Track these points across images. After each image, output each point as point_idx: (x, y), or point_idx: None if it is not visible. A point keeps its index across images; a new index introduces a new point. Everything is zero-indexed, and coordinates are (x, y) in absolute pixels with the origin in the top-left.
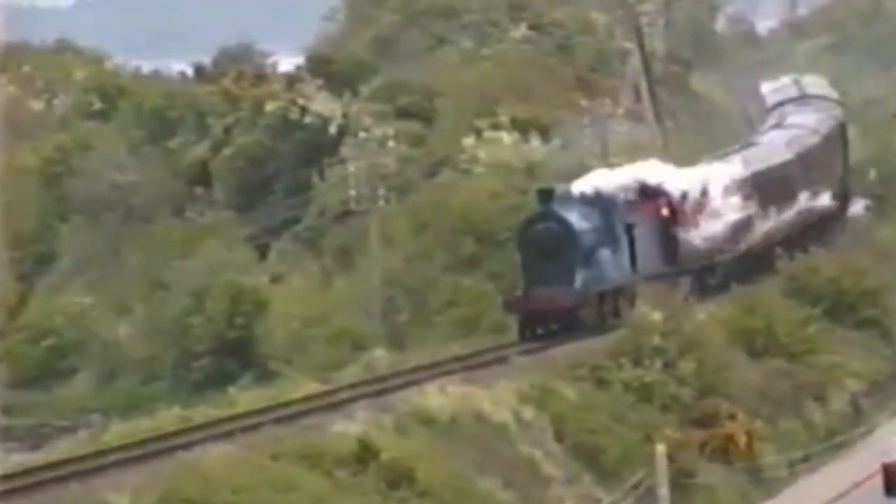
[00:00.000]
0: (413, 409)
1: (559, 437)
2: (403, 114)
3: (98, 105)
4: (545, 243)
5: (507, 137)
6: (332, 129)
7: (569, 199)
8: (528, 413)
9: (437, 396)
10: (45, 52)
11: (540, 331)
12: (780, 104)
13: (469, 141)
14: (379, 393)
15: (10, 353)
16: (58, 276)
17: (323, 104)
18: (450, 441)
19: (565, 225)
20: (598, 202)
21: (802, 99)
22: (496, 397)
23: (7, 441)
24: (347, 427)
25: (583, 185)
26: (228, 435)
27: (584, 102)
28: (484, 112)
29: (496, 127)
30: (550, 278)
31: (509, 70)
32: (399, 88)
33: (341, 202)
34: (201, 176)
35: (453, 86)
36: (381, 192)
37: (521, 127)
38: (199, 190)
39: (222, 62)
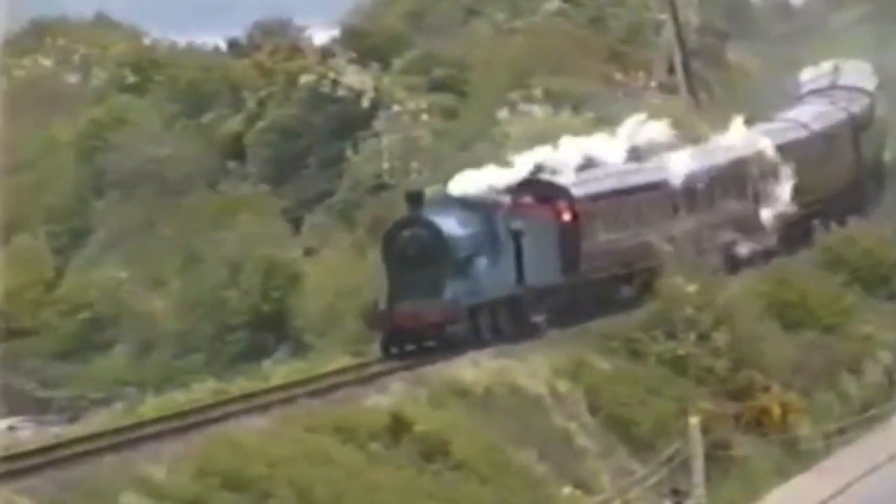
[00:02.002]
0: (447, 381)
1: (593, 410)
2: (437, 87)
3: (133, 79)
4: (412, 251)
5: (539, 110)
6: (365, 103)
7: (446, 201)
8: (563, 385)
9: (471, 369)
10: (82, 26)
11: (410, 347)
12: (807, 94)
13: (502, 114)
14: (413, 366)
15: (46, 326)
16: (93, 250)
17: (355, 77)
18: (484, 414)
19: (435, 231)
20: (480, 205)
21: (829, 90)
22: (530, 370)
23: (44, 413)
24: (381, 400)
25: (463, 186)
26: (263, 408)
27: (617, 75)
28: (517, 85)
29: (529, 100)
30: (417, 290)
31: (542, 42)
32: (432, 61)
33: (375, 175)
34: (235, 149)
35: (486, 59)
36: (415, 165)
37: (554, 100)
38: (233, 163)
39: (257, 36)
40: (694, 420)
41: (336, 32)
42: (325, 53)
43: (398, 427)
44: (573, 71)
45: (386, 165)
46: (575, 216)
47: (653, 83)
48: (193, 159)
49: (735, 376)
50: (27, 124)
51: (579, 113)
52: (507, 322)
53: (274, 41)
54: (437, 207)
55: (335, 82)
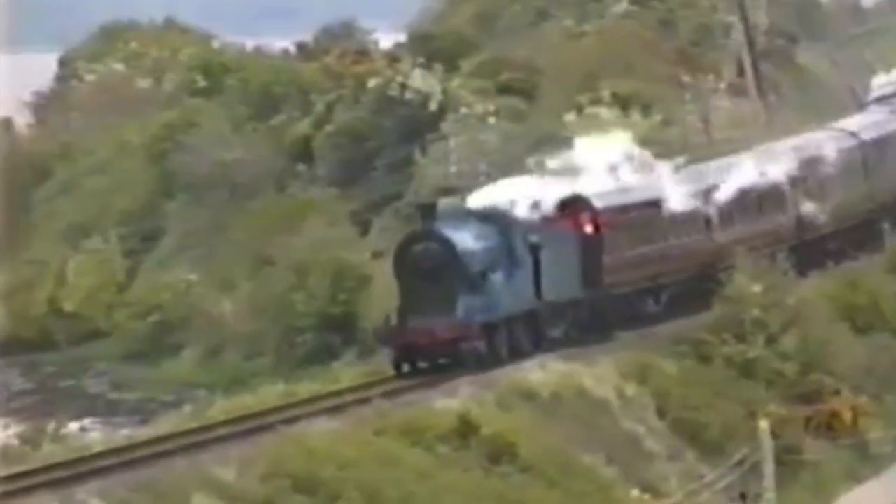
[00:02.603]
0: (514, 385)
1: (661, 413)
2: (505, 90)
3: (203, 83)
4: (424, 266)
5: (607, 113)
6: (433, 106)
7: (462, 214)
8: (630, 389)
9: (538, 373)
10: (152, 30)
11: (423, 364)
12: (872, 101)
13: (570, 117)
14: (479, 369)
15: (117, 329)
16: (164, 253)
17: (423, 81)
18: (551, 417)
19: (448, 245)
20: (497, 219)
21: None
22: (598, 373)
23: (114, 415)
24: (449, 403)
25: (480, 199)
26: (332, 410)
27: (686, 77)
28: (585, 88)
29: (597, 102)
30: (429, 306)
31: (611, 45)
32: (500, 64)
33: (442, 178)
34: (304, 152)
35: (555, 61)
36: (483, 167)
37: (623, 102)
38: (301, 166)
39: (325, 40)
40: (764, 424)
41: (403, 36)
42: (393, 57)
43: (466, 430)
44: (642, 73)
45: (454, 168)
46: (597, 228)
47: (722, 85)
48: (263, 162)
49: (804, 379)
50: (99, 128)
51: (648, 115)
52: (525, 338)
53: (341, 45)
54: (452, 220)
55: (403, 86)
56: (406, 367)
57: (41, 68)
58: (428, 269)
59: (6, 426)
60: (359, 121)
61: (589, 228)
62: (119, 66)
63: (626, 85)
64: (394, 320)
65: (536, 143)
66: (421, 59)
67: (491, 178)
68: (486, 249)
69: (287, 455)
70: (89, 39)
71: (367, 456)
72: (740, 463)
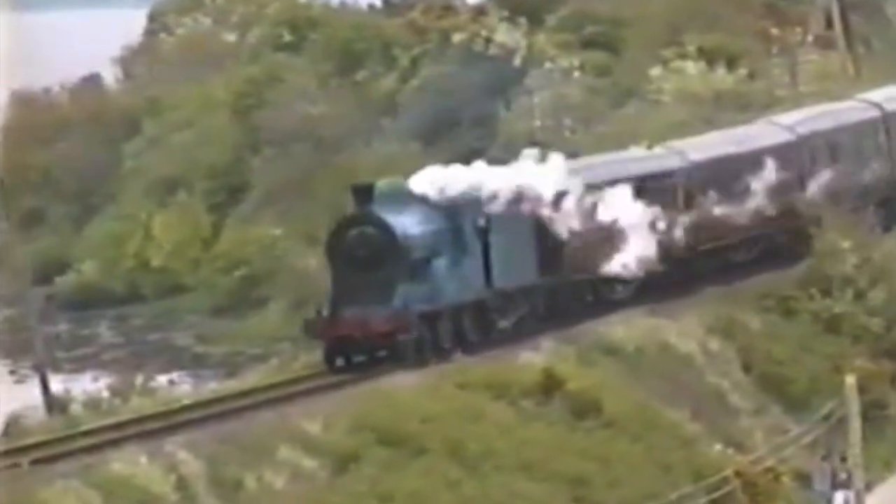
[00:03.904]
0: (598, 339)
1: (746, 368)
2: (589, 44)
3: (288, 37)
4: (359, 252)
5: (693, 67)
6: (517, 60)
7: (403, 196)
8: (715, 344)
9: (621, 328)
10: None
11: (359, 358)
12: None
13: (655, 71)
14: (563, 324)
15: (204, 283)
16: (249, 207)
17: (508, 35)
18: (635, 372)
19: (386, 229)
20: (442, 202)
21: None
22: (682, 328)
23: (202, 368)
24: (533, 357)
25: (425, 182)
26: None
27: (773, 30)
28: (670, 42)
29: (683, 57)
30: (365, 296)
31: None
32: (585, 18)
33: (526, 133)
34: (388, 107)
35: (640, 15)
36: (567, 122)
37: (708, 56)
38: (386, 121)
39: None
40: (850, 379)
41: None
42: (478, 11)
43: (550, 384)
44: (728, 27)
45: (538, 123)
46: (557, 209)
47: (809, 38)
48: (347, 117)
49: (891, 335)
50: (186, 83)
51: (733, 69)
52: (473, 329)
53: (426, 0)
54: (392, 203)
55: (488, 40)
56: (340, 362)
57: (130, 23)
58: (364, 255)
59: (96, 378)
60: (443, 76)
61: (547, 210)
62: (206, 20)
63: (711, 38)
64: (326, 311)
65: (621, 97)
66: (505, 14)
67: (574, 133)
68: (430, 233)
69: (372, 408)
70: None
71: (450, 410)
72: (826, 418)
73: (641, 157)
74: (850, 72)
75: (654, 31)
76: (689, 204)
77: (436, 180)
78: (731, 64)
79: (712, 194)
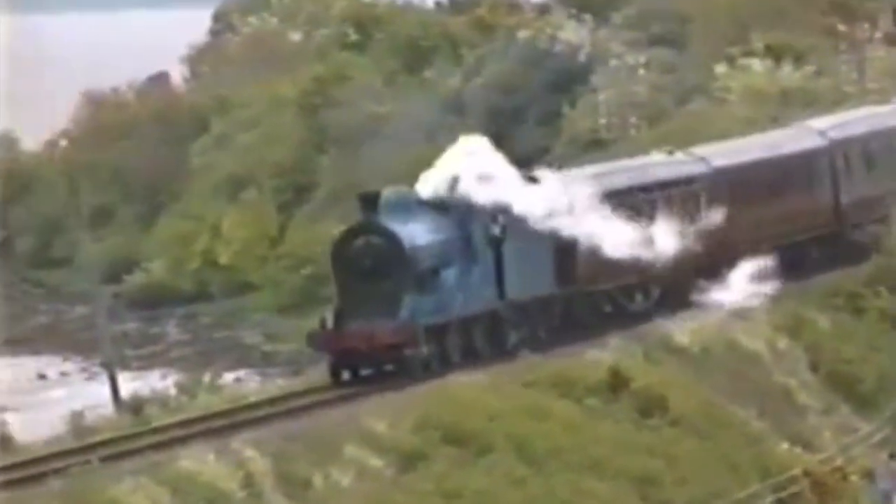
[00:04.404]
0: (664, 338)
1: (814, 367)
2: (655, 41)
3: (354, 36)
4: (365, 263)
5: (759, 64)
6: (583, 58)
7: (411, 204)
8: (782, 342)
9: (688, 326)
10: None
11: (365, 371)
12: None
13: (721, 68)
14: (627, 324)
15: (271, 281)
16: (316, 205)
17: (573, 32)
18: (701, 370)
19: (392, 239)
20: (453, 209)
21: None
22: (749, 327)
23: (268, 366)
24: (599, 355)
25: (433, 186)
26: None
27: (840, 27)
28: (737, 39)
29: (749, 54)
30: (370, 308)
31: None
32: (651, 16)
33: (591, 130)
34: (454, 105)
35: (706, 13)
36: (632, 120)
37: (775, 53)
38: (452, 118)
39: None
40: None
41: None
42: (543, 9)
43: (616, 382)
44: (794, 23)
45: (603, 121)
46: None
47: (878, 34)
48: (413, 115)
49: None
50: (253, 81)
51: (800, 66)
52: (484, 342)
53: None
54: (399, 211)
55: (553, 37)
56: (346, 375)
57: (196, 22)
58: (369, 265)
59: (164, 376)
60: (508, 73)
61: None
62: (272, 19)
63: (778, 35)
64: (330, 323)
65: (686, 95)
66: (571, 11)
67: (639, 130)
68: (439, 243)
69: (437, 406)
70: None
71: (516, 408)
72: (894, 416)
73: (663, 163)
74: None
75: (720, 28)
76: (711, 210)
77: (440, 182)
78: (798, 61)
79: (738, 200)
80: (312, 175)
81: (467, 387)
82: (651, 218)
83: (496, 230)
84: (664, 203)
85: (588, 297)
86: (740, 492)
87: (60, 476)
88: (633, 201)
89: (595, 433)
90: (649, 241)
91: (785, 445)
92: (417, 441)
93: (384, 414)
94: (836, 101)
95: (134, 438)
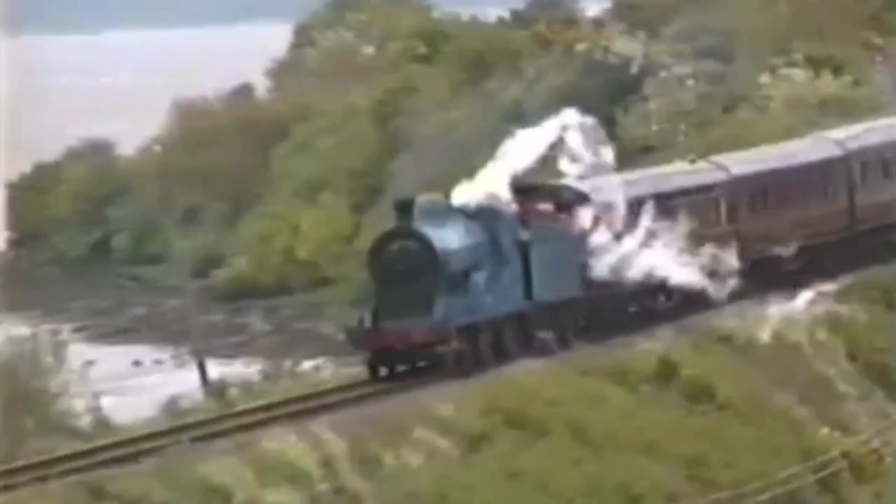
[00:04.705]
0: (711, 329)
1: (852, 357)
2: (702, 54)
3: (423, 49)
4: (400, 266)
5: (800, 74)
6: (634, 69)
7: (444, 210)
8: (822, 334)
9: (734, 318)
10: (380, 2)
11: (401, 367)
12: None
13: (764, 78)
14: (677, 315)
15: (345, 277)
16: (386, 207)
17: (625, 45)
18: (746, 360)
19: (426, 243)
20: (483, 215)
21: None
22: (791, 319)
23: (345, 355)
24: (650, 346)
25: (467, 194)
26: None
27: (877, 40)
28: (779, 51)
29: (790, 65)
30: (405, 308)
31: (804, 10)
32: (699, 30)
33: (643, 138)
34: (516, 114)
35: (750, 27)
36: (682, 127)
37: (814, 64)
38: (514, 126)
39: (536, 8)
40: None
41: (608, 4)
42: (598, 24)
43: (667, 371)
44: (833, 36)
45: (654, 128)
46: (597, 224)
47: None
48: (477, 123)
49: None
50: (330, 92)
51: (838, 77)
52: (513, 342)
53: (551, 13)
54: (432, 217)
55: (607, 50)
56: (383, 371)
57: (278, 37)
58: (404, 268)
59: (248, 364)
60: (566, 84)
61: (589, 224)
62: (348, 35)
63: (818, 47)
64: (367, 322)
65: (732, 103)
66: (625, 26)
67: (687, 137)
68: (469, 247)
69: (500, 393)
70: (322, 10)
71: (573, 395)
72: None
73: (684, 172)
74: None
75: (763, 41)
76: (732, 217)
77: (476, 192)
78: (837, 71)
79: (757, 207)
80: (384, 178)
81: (528, 374)
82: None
83: (524, 235)
84: (686, 208)
85: (613, 297)
86: (782, 473)
87: (154, 455)
88: (658, 206)
89: (647, 418)
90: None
91: (824, 430)
92: (482, 424)
93: (450, 399)
94: (872, 110)
95: (221, 421)
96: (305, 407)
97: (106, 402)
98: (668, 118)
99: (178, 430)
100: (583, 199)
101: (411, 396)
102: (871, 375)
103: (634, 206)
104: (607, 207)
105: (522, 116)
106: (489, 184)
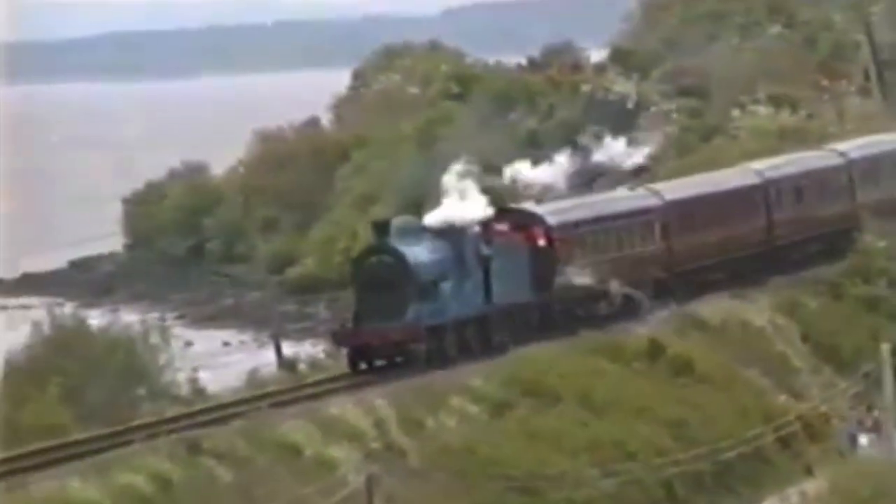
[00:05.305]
0: (690, 317)
1: (805, 338)
2: (684, 92)
3: (457, 89)
4: (377, 276)
5: (763, 110)
6: (630, 105)
7: (417, 230)
8: (781, 320)
9: (708, 308)
10: (421, 50)
11: (379, 362)
12: None
13: (735, 113)
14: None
15: None
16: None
17: (622, 86)
18: (719, 341)
19: (400, 258)
20: (449, 234)
21: None
22: (756, 308)
23: None
24: (641, 330)
25: (435, 217)
26: (550, 339)
27: (824, 82)
28: (746, 91)
29: (756, 102)
30: (382, 312)
31: (767, 58)
32: (681, 73)
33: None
34: (532, 141)
35: (723, 71)
36: (670, 153)
37: (775, 102)
38: (530, 151)
39: (549, 56)
40: (885, 346)
41: (607, 52)
42: (599, 68)
43: (655, 350)
44: (790, 79)
45: (647, 151)
46: (550, 241)
47: (852, 88)
48: (501, 149)
49: None
50: (382, 124)
51: (795, 112)
52: (475, 339)
53: (561, 59)
54: (408, 236)
55: (607, 90)
56: (363, 366)
57: (340, 80)
58: (381, 279)
59: (315, 345)
60: (573, 117)
61: (542, 241)
62: (396, 77)
63: (778, 88)
64: (350, 324)
65: (708, 133)
66: (621, 69)
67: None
68: (437, 261)
69: (519, 368)
70: (375, 57)
71: (579, 369)
72: (866, 375)
73: (626, 197)
74: (883, 115)
75: (733, 82)
76: (665, 236)
77: (441, 216)
78: (793, 107)
79: (686, 227)
80: (423, 193)
81: (542, 353)
82: (615, 242)
83: (486, 250)
84: (626, 228)
85: (561, 303)
86: (749, 432)
87: (240, 418)
88: (598, 228)
89: (639, 388)
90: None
91: (783, 397)
92: (505, 393)
93: (479, 373)
94: (822, 138)
95: (293, 391)
96: (361, 380)
97: (201, 375)
98: (658, 145)
99: (258, 398)
100: (537, 220)
101: (447, 372)
102: (820, 354)
103: (583, 226)
104: (561, 228)
105: (537, 143)
106: (455, 210)
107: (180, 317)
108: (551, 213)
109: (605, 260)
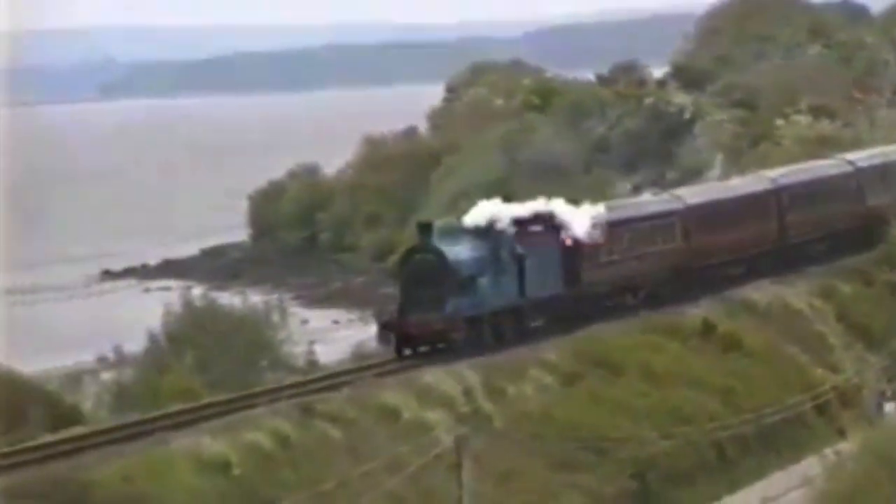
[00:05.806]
0: (739, 300)
1: (839, 319)
2: (735, 104)
3: (537, 101)
4: (420, 272)
5: (804, 119)
6: (687, 115)
7: (458, 231)
8: (818, 303)
9: (755, 292)
10: (505, 66)
11: (423, 348)
12: None
13: (779, 122)
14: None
15: None
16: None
17: (681, 98)
18: (764, 321)
19: (440, 256)
20: (487, 234)
21: None
22: (796, 292)
23: None
24: (695, 311)
25: (475, 218)
26: (618, 319)
27: (858, 95)
28: (789, 102)
29: (798, 112)
30: (424, 304)
31: (808, 74)
32: (733, 88)
33: (693, 164)
34: (602, 147)
35: (769, 85)
36: (720, 157)
37: (815, 112)
38: (600, 156)
39: (617, 72)
40: None
41: (667, 69)
42: (661, 83)
43: (707, 329)
44: (828, 93)
45: (702, 156)
46: (576, 242)
47: (883, 100)
48: (575, 154)
49: None
50: (471, 132)
51: (832, 121)
52: (509, 328)
53: (627, 75)
54: (449, 236)
55: (667, 102)
56: (408, 352)
57: (435, 94)
58: (423, 274)
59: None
60: (637, 126)
61: (569, 242)
62: (483, 91)
63: (817, 100)
64: (396, 315)
65: (755, 140)
66: (679, 84)
67: (723, 164)
68: (476, 259)
69: (589, 345)
70: (465, 73)
71: (641, 345)
72: (893, 352)
73: (651, 202)
74: None
75: (778, 95)
76: (685, 236)
77: (483, 214)
78: (831, 117)
79: (705, 228)
80: (509, 192)
81: (607, 332)
82: (641, 241)
83: (520, 249)
84: (650, 228)
85: (590, 296)
86: (790, 400)
87: (348, 385)
88: (626, 228)
89: (693, 362)
90: (635, 259)
91: (819, 370)
92: (576, 366)
93: (554, 349)
94: (855, 144)
95: (392, 363)
96: (450, 355)
97: (316, 348)
98: (711, 151)
99: (364, 369)
100: (567, 223)
101: (525, 349)
102: (853, 332)
103: (616, 227)
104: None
105: (606, 149)
106: (492, 212)
107: (297, 298)
108: (583, 215)
109: (632, 256)
